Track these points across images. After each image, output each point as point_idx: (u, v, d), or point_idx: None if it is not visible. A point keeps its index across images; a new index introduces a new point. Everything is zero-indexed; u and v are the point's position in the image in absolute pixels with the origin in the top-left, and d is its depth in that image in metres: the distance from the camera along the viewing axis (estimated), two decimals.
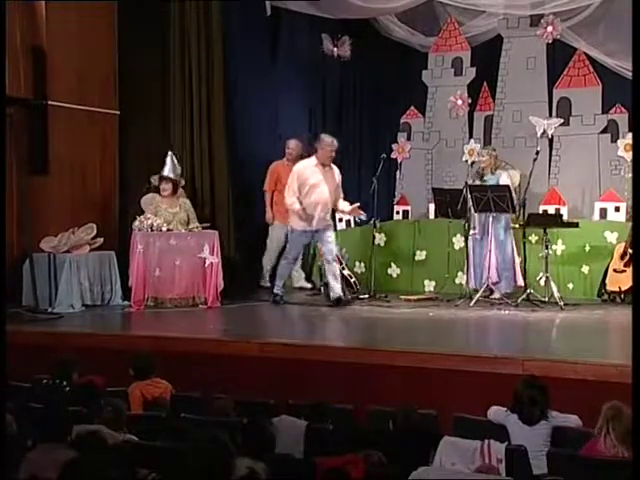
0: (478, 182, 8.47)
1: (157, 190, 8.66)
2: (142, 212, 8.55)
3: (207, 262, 8.33)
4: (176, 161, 8.71)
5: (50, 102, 8.73)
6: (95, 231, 8.62)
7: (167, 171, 8.63)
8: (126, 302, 8.42)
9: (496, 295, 8.48)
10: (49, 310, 8.10)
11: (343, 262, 9.07)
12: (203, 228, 8.59)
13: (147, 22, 9.42)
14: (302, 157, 9.10)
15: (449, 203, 8.49)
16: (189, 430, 4.51)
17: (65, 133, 8.89)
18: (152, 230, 8.28)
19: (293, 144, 9.33)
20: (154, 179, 8.69)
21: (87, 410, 4.68)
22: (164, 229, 8.33)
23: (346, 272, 8.95)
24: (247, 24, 9.91)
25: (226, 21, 9.42)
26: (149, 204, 8.62)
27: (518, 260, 8.58)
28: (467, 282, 8.53)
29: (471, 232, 8.64)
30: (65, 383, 5.48)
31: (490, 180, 8.55)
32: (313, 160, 8.27)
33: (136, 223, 8.32)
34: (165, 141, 9.27)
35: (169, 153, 8.72)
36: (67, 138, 8.90)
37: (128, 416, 4.68)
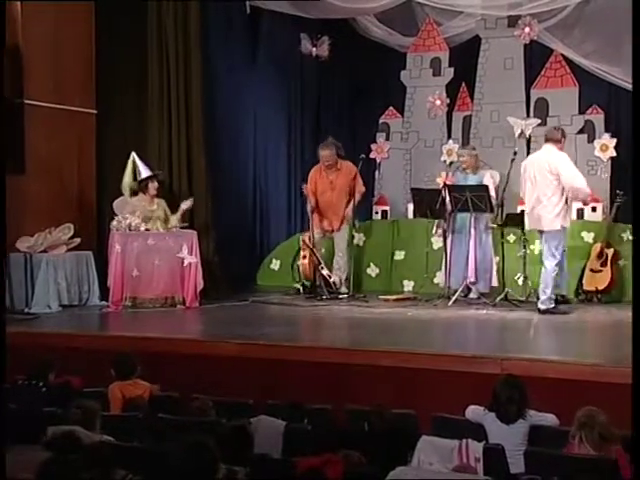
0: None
1: (136, 194, 8.61)
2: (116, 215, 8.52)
3: (186, 262, 8.31)
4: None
5: (27, 101, 8.66)
6: (72, 231, 8.57)
7: (146, 171, 8.60)
8: (104, 302, 8.38)
9: (474, 295, 8.52)
10: (25, 310, 8.04)
11: (322, 262, 9.07)
12: (181, 228, 8.57)
13: (125, 21, 9.36)
14: (337, 161, 9.04)
15: (428, 203, 8.51)
16: (167, 430, 4.50)
17: (42, 132, 8.83)
18: (130, 230, 8.26)
19: (326, 153, 9.05)
20: (133, 185, 8.61)
21: (63, 411, 4.64)
22: (142, 229, 8.30)
23: (325, 272, 8.95)
24: (226, 23, 9.89)
25: (204, 20, 9.38)
26: (123, 207, 8.57)
27: (495, 260, 8.63)
28: (445, 282, 8.55)
29: (434, 231, 8.75)
30: (41, 384, 5.44)
31: (472, 180, 8.59)
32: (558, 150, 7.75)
33: (114, 223, 8.29)
34: (143, 141, 9.22)
35: (132, 155, 8.66)
36: (44, 137, 8.84)
37: (105, 416, 4.65)
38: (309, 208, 9.13)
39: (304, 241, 9.08)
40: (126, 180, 8.66)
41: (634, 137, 6.96)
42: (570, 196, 7.73)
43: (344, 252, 9.05)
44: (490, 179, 8.59)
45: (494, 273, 8.62)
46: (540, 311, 7.65)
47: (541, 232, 7.86)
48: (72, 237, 8.57)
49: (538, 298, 7.76)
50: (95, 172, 9.41)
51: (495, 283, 8.60)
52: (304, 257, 9.03)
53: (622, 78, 8.84)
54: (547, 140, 7.87)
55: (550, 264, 7.68)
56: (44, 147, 8.84)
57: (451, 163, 9.45)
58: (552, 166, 7.66)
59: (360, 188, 9.09)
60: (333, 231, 9.15)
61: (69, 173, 9.16)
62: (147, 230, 8.35)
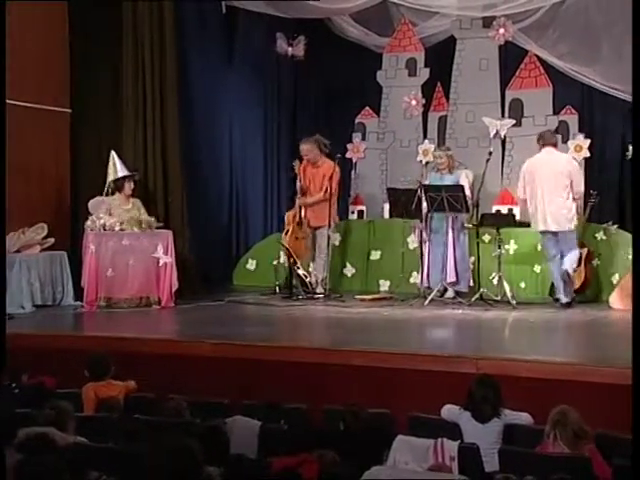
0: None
1: (113, 193, 8.58)
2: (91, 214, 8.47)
3: (161, 262, 8.28)
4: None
5: None
6: (46, 231, 8.50)
7: (123, 170, 8.57)
8: (78, 302, 8.32)
9: (450, 294, 8.55)
10: None
11: (298, 261, 9.06)
12: (156, 228, 8.52)
13: (100, 20, 9.30)
14: (317, 157, 8.93)
15: (404, 203, 8.53)
16: (142, 431, 4.47)
17: (15, 131, 8.73)
18: (105, 230, 8.21)
19: (304, 147, 9.00)
20: (110, 184, 8.59)
21: (37, 412, 4.60)
22: (117, 229, 8.25)
23: (301, 272, 8.94)
24: (201, 23, 9.85)
25: (180, 20, 9.35)
26: (98, 207, 8.52)
27: (471, 260, 8.69)
28: (422, 282, 8.58)
29: (415, 232, 8.77)
30: (14, 384, 5.39)
31: (448, 180, 8.63)
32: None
33: (88, 223, 8.24)
34: (118, 140, 9.17)
35: (112, 153, 8.63)
36: (17, 136, 8.74)
37: (79, 417, 4.61)
38: (298, 185, 9.07)
39: (288, 217, 9.02)
40: (110, 179, 8.63)
41: (634, 137, 7.06)
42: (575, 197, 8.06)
43: (324, 252, 9.02)
44: (465, 179, 8.65)
45: (470, 273, 8.69)
46: (564, 304, 8.00)
47: (546, 233, 8.04)
48: (46, 237, 8.50)
49: (552, 295, 8.18)
50: (70, 171, 9.34)
51: (471, 282, 8.66)
52: (286, 232, 8.96)
53: (596, 79, 8.91)
54: (546, 144, 8.09)
55: (573, 258, 8.01)
56: (17, 146, 8.74)
57: (427, 163, 9.47)
58: (565, 167, 7.96)
59: (332, 191, 8.86)
60: (315, 228, 9.02)
61: (43, 172, 9.08)
62: (122, 230, 8.30)
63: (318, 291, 8.84)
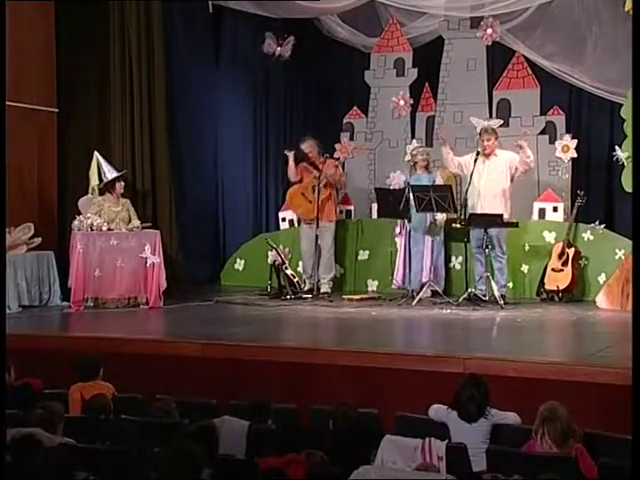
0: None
1: (102, 193, 8.55)
2: (80, 213, 8.45)
3: (149, 262, 8.26)
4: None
5: None
6: (33, 231, 8.46)
7: (111, 172, 8.54)
8: (65, 303, 8.30)
9: (427, 294, 8.55)
10: None
11: (286, 262, 9.06)
12: (144, 228, 8.50)
13: (87, 21, 9.28)
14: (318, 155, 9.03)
15: (391, 203, 8.55)
16: (130, 432, 4.46)
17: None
18: (92, 230, 8.18)
19: (305, 145, 9.10)
20: (97, 186, 8.56)
21: (25, 412, 4.58)
22: (104, 228, 8.23)
23: (289, 272, 8.94)
24: (189, 23, 9.84)
25: (167, 19, 9.33)
26: (88, 205, 8.49)
27: (458, 260, 8.74)
28: (403, 282, 8.64)
29: (397, 231, 8.80)
30: None
31: (425, 180, 8.67)
32: None
33: (75, 222, 8.21)
34: (105, 140, 9.14)
35: (95, 155, 8.60)
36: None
37: (66, 418, 4.60)
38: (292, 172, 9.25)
39: (303, 168, 9.11)
40: (93, 183, 8.60)
41: (634, 137, 7.08)
42: None
43: (331, 248, 9.04)
44: (440, 178, 8.74)
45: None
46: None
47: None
48: (33, 237, 8.46)
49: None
50: (56, 171, 9.30)
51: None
52: (298, 181, 9.16)
53: (583, 80, 8.94)
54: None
55: None
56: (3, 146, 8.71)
57: (415, 163, 9.48)
58: None
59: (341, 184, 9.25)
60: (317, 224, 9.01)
61: (29, 172, 9.04)
62: (109, 230, 8.28)
63: (323, 290, 8.85)
